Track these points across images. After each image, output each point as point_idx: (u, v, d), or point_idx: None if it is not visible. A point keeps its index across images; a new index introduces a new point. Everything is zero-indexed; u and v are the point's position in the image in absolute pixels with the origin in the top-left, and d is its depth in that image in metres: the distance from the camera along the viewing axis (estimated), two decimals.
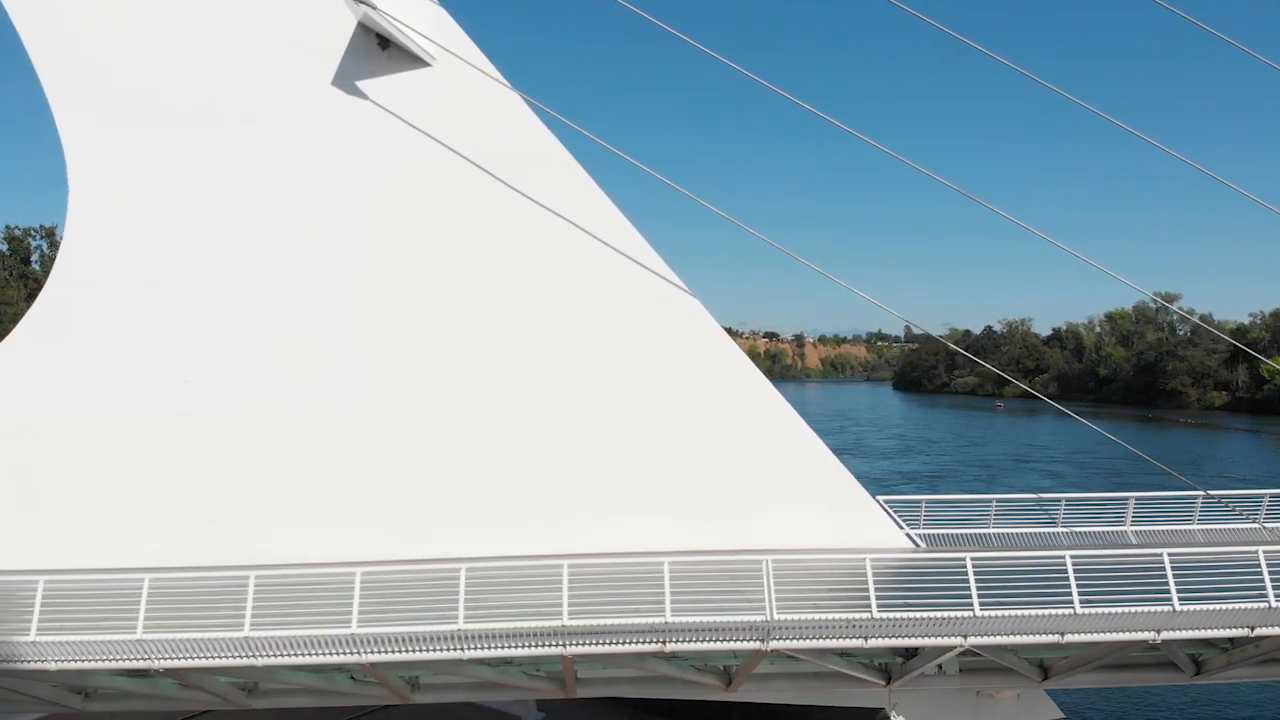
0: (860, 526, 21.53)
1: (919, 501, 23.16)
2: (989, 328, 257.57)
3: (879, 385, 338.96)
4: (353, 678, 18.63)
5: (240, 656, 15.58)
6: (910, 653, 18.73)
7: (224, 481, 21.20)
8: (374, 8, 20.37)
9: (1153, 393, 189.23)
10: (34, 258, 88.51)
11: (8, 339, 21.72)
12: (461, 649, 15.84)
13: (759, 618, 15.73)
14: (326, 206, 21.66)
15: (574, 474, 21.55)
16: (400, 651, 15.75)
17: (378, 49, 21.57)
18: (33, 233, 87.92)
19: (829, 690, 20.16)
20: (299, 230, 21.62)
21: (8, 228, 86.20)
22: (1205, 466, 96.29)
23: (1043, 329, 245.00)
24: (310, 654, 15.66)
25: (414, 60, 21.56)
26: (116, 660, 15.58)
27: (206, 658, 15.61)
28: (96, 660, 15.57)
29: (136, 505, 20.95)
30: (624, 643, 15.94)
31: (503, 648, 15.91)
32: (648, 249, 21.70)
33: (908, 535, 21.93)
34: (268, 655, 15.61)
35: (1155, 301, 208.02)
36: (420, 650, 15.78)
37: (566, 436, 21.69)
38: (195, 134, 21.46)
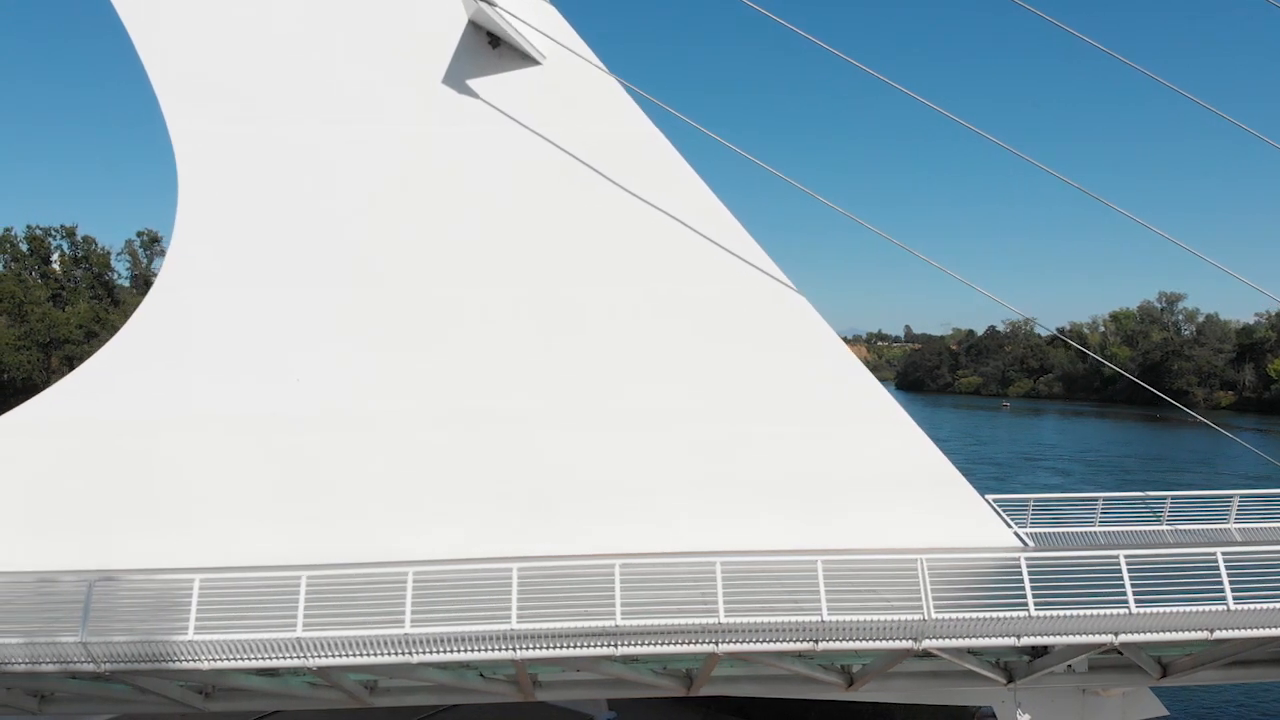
0: (970, 526, 21.56)
1: (1025, 501, 23.13)
2: (992, 328, 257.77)
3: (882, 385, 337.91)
4: (481, 675, 18.56)
5: (398, 654, 15.51)
6: (1039, 651, 18.72)
7: (333, 479, 21.17)
8: (493, 3, 20.32)
9: (1157, 392, 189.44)
10: (54, 258, 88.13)
11: (116, 338, 21.67)
12: (615, 646, 15.77)
13: (915, 617, 15.70)
14: (436, 206, 21.63)
15: (682, 473, 21.54)
16: (558, 649, 15.68)
17: (488, 47, 21.56)
18: (53, 233, 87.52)
19: (947, 689, 20.12)
20: (408, 229, 21.58)
21: (29, 227, 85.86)
22: (1220, 465, 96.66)
23: (1046, 328, 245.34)
24: (468, 650, 15.59)
25: (524, 59, 21.54)
26: (275, 659, 15.49)
27: (366, 655, 15.53)
28: (255, 659, 15.47)
29: (245, 504, 20.92)
30: (777, 641, 15.89)
31: (657, 645, 15.84)
32: (755, 247, 21.69)
33: (1015, 534, 21.96)
34: (424, 652, 15.54)
35: (1160, 302, 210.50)
36: (577, 647, 15.71)
37: (673, 436, 21.66)
38: (306, 133, 21.41)
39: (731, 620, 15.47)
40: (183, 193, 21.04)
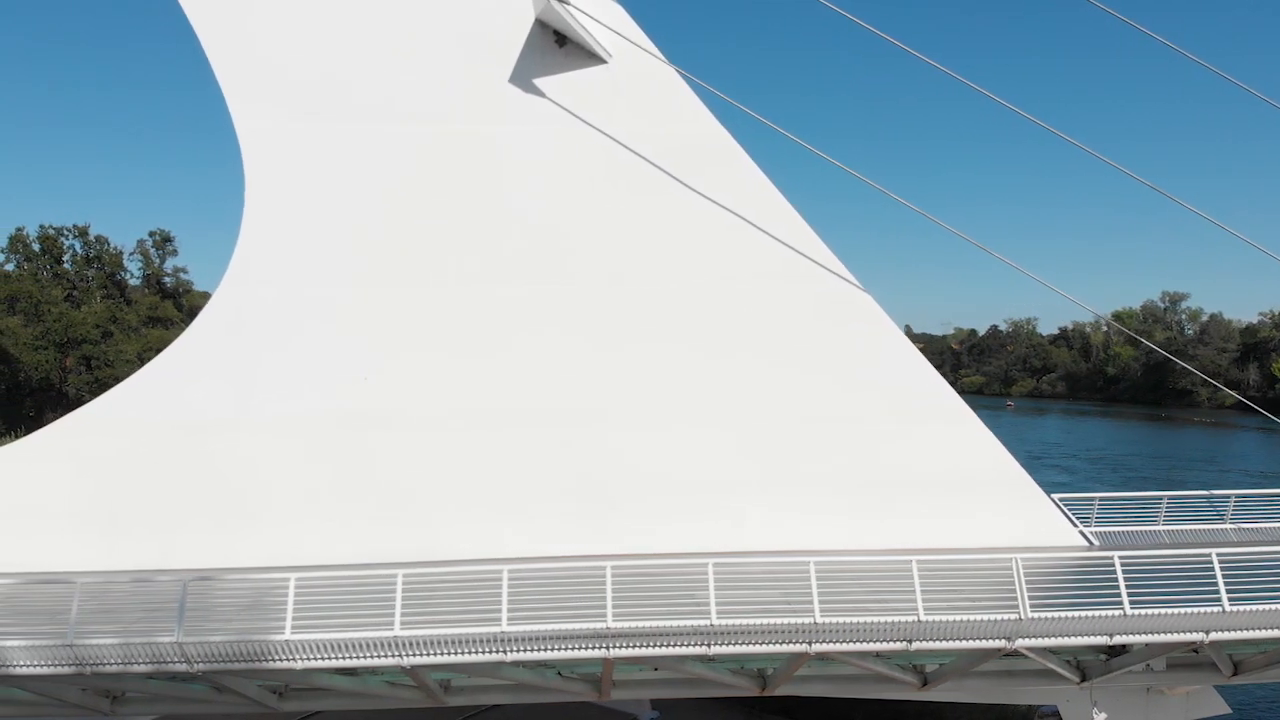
0: (1038, 526, 21.54)
1: (1091, 500, 23.09)
2: (994, 327, 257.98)
3: None
4: (559, 674, 18.50)
5: (493, 652, 15.44)
6: (1117, 650, 18.68)
7: (400, 478, 21.13)
8: (564, 1, 20.27)
9: (1162, 392, 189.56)
10: (66, 258, 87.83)
11: (183, 337, 21.63)
12: (709, 645, 15.71)
13: (1011, 615, 15.66)
14: (502, 205, 21.59)
15: (750, 471, 21.53)
16: (651, 647, 15.63)
17: (554, 46, 21.52)
18: (65, 232, 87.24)
19: (1018, 689, 20.08)
20: (474, 228, 21.54)
21: (41, 227, 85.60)
22: (1226, 463, 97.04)
23: (1049, 328, 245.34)
24: (561, 649, 15.53)
25: (590, 57, 21.51)
26: (371, 658, 15.41)
27: (462, 654, 15.46)
28: (351, 658, 15.39)
29: (312, 503, 20.87)
30: (872, 641, 15.86)
31: (751, 645, 15.79)
32: (822, 246, 21.67)
33: (1081, 533, 21.94)
34: (519, 650, 15.48)
35: (1163, 302, 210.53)
36: (670, 646, 15.65)
37: (742, 434, 21.65)
38: (371, 132, 21.39)
39: (828, 620, 15.40)
40: (249, 192, 21.00)
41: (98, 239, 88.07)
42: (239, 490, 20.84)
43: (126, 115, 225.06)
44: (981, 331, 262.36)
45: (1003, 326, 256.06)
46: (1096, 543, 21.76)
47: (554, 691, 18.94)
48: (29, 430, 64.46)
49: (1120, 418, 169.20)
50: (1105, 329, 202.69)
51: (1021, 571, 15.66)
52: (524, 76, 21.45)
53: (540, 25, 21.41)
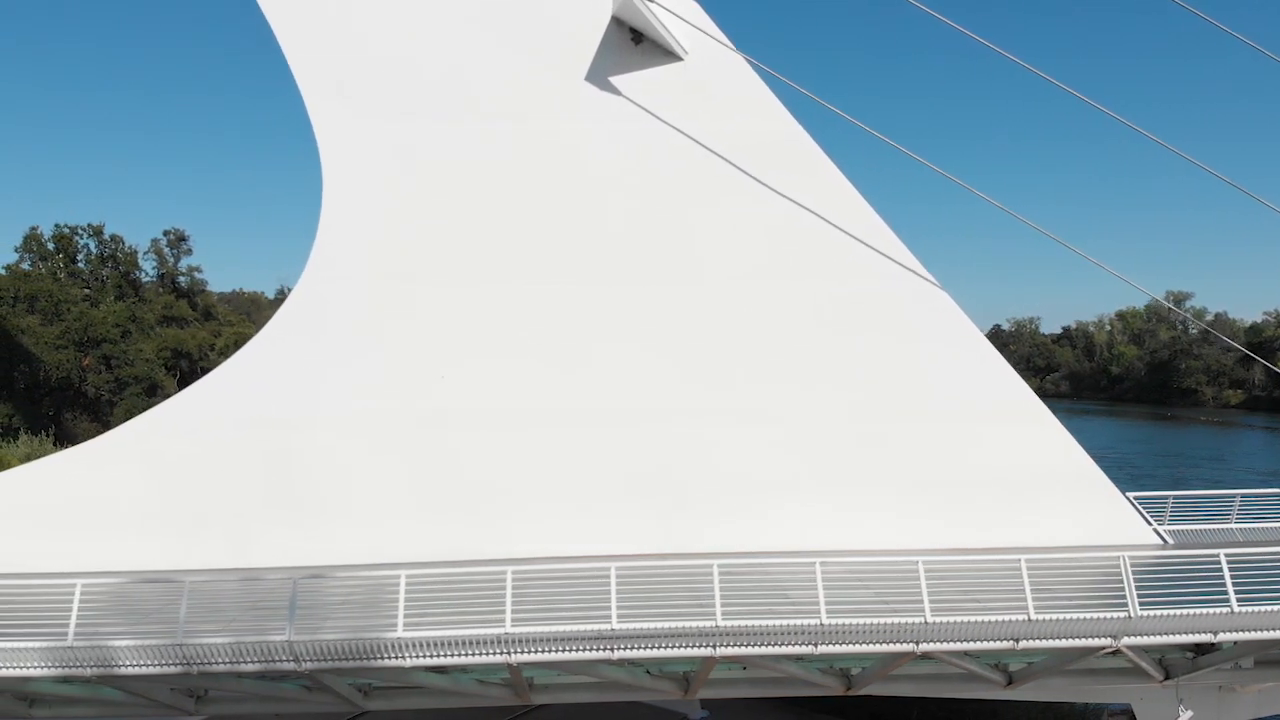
0: (1112, 524, 21.51)
1: (1165, 498, 23.05)
2: (997, 326, 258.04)
3: None
4: (648, 672, 18.44)
5: (602, 650, 15.39)
6: (1205, 648, 18.64)
7: (479, 476, 21.09)
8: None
9: (1167, 391, 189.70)
10: (80, 257, 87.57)
11: (259, 335, 21.58)
12: (814, 645, 15.65)
13: (1120, 614, 15.62)
14: (579, 203, 21.54)
15: (822, 470, 21.49)
16: (756, 646, 15.58)
17: (630, 43, 21.46)
18: (80, 231, 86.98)
19: (1100, 687, 20.05)
20: (551, 227, 21.51)
21: (56, 226, 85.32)
22: (1234, 461, 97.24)
23: (1052, 327, 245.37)
24: (669, 647, 15.49)
25: (666, 55, 21.46)
26: (481, 655, 15.36)
27: (571, 651, 15.42)
28: (461, 655, 15.34)
29: (391, 501, 20.85)
30: (981, 640, 15.81)
31: (859, 645, 15.72)
32: (900, 245, 21.63)
33: (1155, 531, 21.91)
34: (627, 649, 15.42)
35: (1168, 301, 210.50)
36: (777, 645, 15.60)
37: (815, 432, 21.61)
38: (448, 130, 21.33)
39: (938, 620, 15.36)
40: (327, 191, 20.99)
41: (113, 238, 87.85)
42: (315, 488, 20.81)
43: (136, 116, 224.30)
44: (984, 331, 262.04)
45: (1005, 326, 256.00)
46: (1171, 541, 21.73)
47: (642, 690, 18.88)
48: (50, 430, 64.49)
49: (1125, 417, 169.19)
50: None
51: (1130, 569, 15.62)
52: (600, 74, 21.41)
53: (616, 23, 21.38)
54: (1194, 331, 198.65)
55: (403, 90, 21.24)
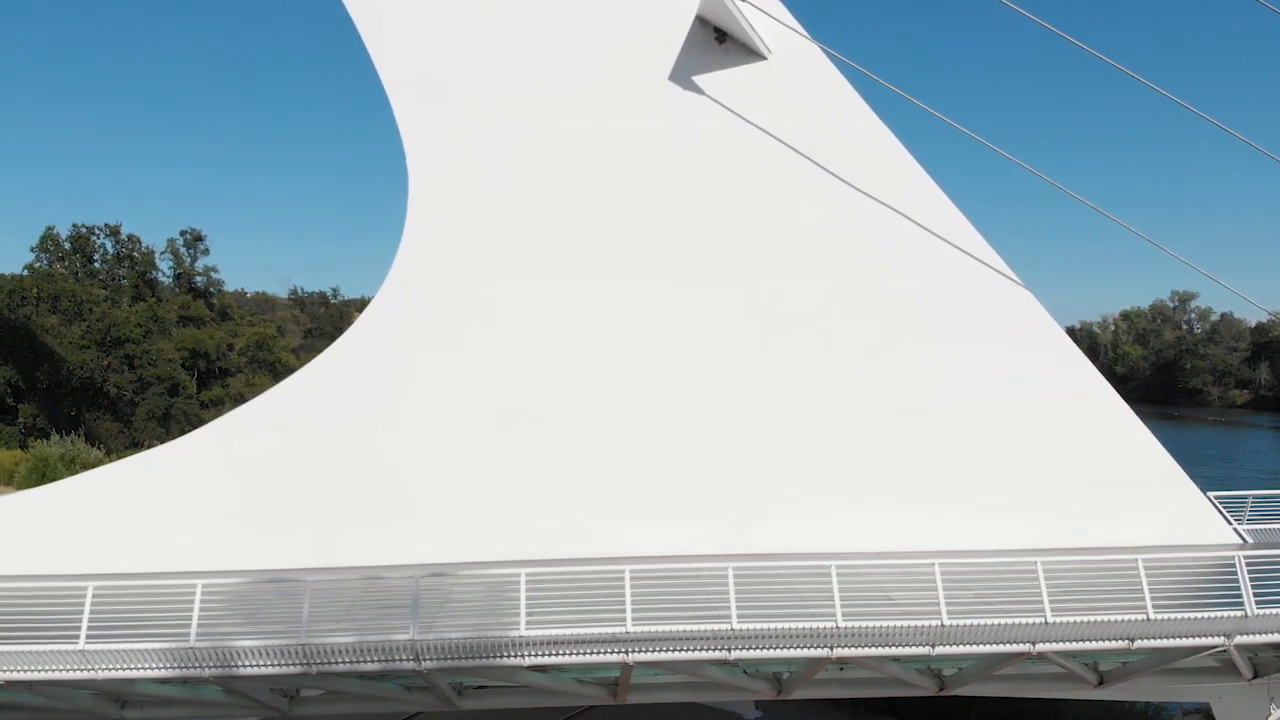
0: (1192, 523, 21.51)
1: (1245, 497, 23.06)
2: None
3: None
4: (745, 672, 18.40)
5: (720, 650, 15.38)
6: None
7: (558, 475, 21.06)
8: None
9: (1172, 391, 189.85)
10: (96, 257, 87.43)
11: (344, 336, 21.57)
12: (933, 647, 15.65)
13: (1236, 613, 15.63)
14: (661, 202, 21.53)
15: (903, 470, 21.48)
16: (880, 646, 15.58)
17: (714, 42, 21.45)
18: (97, 231, 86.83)
19: (1187, 686, 20.07)
20: (634, 226, 21.50)
21: (74, 226, 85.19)
22: (1242, 460, 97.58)
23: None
24: (785, 648, 15.50)
25: (750, 54, 21.45)
26: (599, 654, 15.36)
27: (689, 650, 15.41)
28: (580, 655, 15.35)
29: (473, 499, 20.82)
30: (1098, 640, 15.81)
31: (981, 645, 15.73)
32: (983, 243, 21.64)
33: (1235, 531, 21.92)
34: (744, 648, 15.41)
35: (1172, 301, 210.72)
36: (900, 646, 15.61)
37: (897, 432, 21.60)
38: (532, 130, 21.33)
39: (1058, 620, 15.36)
40: (412, 192, 21.02)
41: (130, 238, 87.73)
42: (400, 487, 20.78)
43: (148, 117, 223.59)
44: None
45: None
46: (1250, 540, 21.75)
47: (737, 690, 18.87)
48: (73, 430, 64.38)
49: None
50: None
51: (1245, 569, 15.64)
52: (683, 74, 21.41)
53: (700, 22, 21.36)
54: (1198, 331, 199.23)
55: (487, 91, 21.23)
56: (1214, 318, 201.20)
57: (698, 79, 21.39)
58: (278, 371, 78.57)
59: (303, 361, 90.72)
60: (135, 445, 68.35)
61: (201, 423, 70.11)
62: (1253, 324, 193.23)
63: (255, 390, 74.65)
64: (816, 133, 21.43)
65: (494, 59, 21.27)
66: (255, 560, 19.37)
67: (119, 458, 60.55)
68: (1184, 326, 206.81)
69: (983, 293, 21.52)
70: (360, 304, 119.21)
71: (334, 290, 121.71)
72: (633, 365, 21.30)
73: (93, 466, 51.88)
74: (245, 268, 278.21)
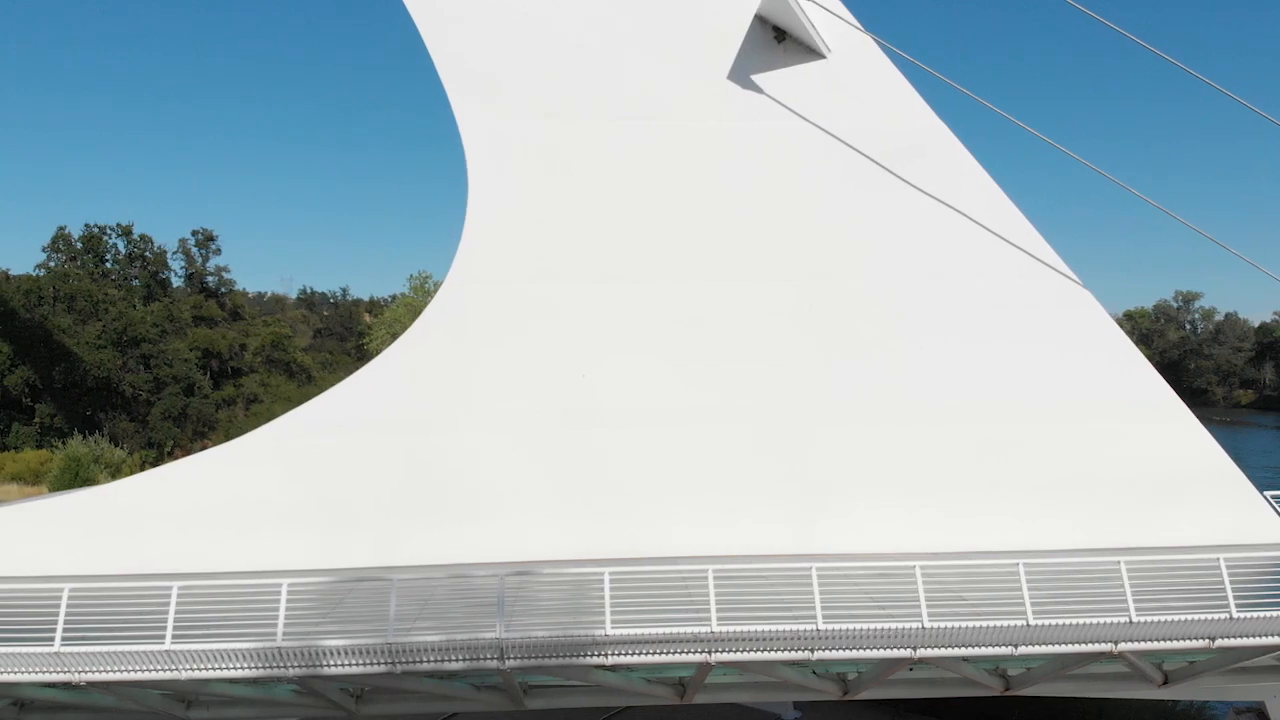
0: (1251, 523, 21.49)
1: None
2: None
3: None
4: (814, 673, 18.37)
5: (802, 650, 15.33)
6: None
7: (618, 475, 21.04)
8: None
9: (1177, 391, 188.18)
10: (108, 256, 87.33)
11: (404, 336, 21.54)
12: (1015, 648, 15.61)
13: None
14: (721, 202, 21.49)
15: (962, 469, 21.44)
16: (960, 647, 15.54)
17: (773, 41, 21.41)
18: (108, 231, 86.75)
19: (1248, 685, 20.08)
20: (693, 226, 21.45)
21: (86, 226, 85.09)
22: (1250, 460, 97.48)
23: None
24: (869, 648, 15.45)
25: (809, 53, 21.41)
26: (683, 654, 15.32)
27: (774, 650, 15.37)
28: (664, 654, 15.29)
29: (534, 499, 20.80)
30: (1182, 639, 15.78)
31: (1063, 645, 15.72)
32: (1042, 242, 21.60)
33: None
34: (828, 649, 15.36)
35: (1176, 301, 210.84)
36: (983, 646, 15.57)
37: (955, 431, 21.56)
38: (592, 130, 21.28)
39: (1142, 619, 15.33)
40: (472, 193, 20.98)
41: (142, 238, 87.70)
42: (460, 487, 20.76)
43: (160, 117, 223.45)
44: None
45: None
46: None
47: (804, 690, 18.84)
48: (90, 429, 64.37)
49: None
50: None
51: None
52: (743, 72, 21.36)
53: (759, 21, 21.31)
54: (1201, 331, 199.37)
55: (549, 91, 21.19)
56: (1218, 318, 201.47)
57: (757, 78, 21.35)
58: (293, 371, 78.68)
59: (315, 361, 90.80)
60: (151, 445, 68.46)
61: (217, 423, 70.54)
62: (1256, 324, 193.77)
63: (270, 391, 74.84)
64: (875, 131, 21.39)
65: (556, 59, 21.24)
66: (316, 560, 19.35)
67: (140, 458, 60.79)
68: (1188, 327, 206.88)
69: (1043, 292, 21.48)
70: (369, 305, 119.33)
71: (343, 290, 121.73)
72: (692, 365, 21.26)
73: (116, 466, 52.07)
74: (246, 268, 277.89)
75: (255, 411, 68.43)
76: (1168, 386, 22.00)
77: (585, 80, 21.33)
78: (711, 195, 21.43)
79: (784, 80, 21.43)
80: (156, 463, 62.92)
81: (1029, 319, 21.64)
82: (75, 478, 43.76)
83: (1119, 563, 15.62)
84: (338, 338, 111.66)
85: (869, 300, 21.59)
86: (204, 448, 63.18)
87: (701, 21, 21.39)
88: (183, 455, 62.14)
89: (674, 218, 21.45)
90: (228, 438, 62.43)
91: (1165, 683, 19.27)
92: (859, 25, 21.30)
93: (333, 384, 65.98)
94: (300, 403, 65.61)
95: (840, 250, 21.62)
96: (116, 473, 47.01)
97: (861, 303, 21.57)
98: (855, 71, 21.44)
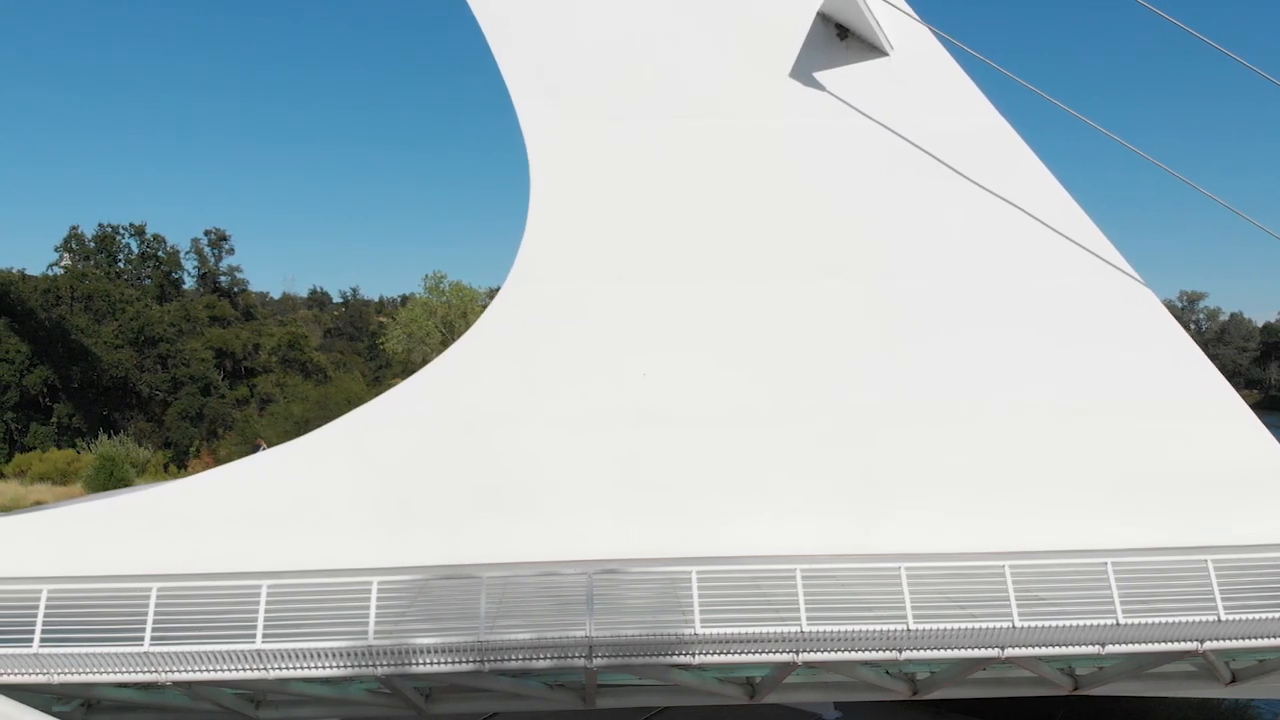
0: None
1: None
2: None
3: None
4: (888, 672, 18.36)
5: (892, 650, 15.32)
6: None
7: (682, 474, 20.99)
8: None
9: None
10: (121, 256, 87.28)
11: (467, 335, 21.53)
12: (1103, 647, 15.61)
13: None
14: (783, 200, 21.44)
15: (1025, 470, 21.38)
16: (1054, 646, 15.54)
17: (835, 39, 21.37)
18: (121, 230, 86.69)
19: None
20: (757, 224, 21.40)
21: (100, 225, 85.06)
22: None
23: None
24: (963, 649, 15.44)
25: (871, 50, 21.37)
26: (765, 654, 15.33)
27: (862, 650, 15.34)
28: (744, 654, 15.29)
29: (593, 497, 20.73)
30: (1269, 637, 15.78)
31: (1151, 642, 15.71)
32: (1105, 242, 21.55)
33: None
34: (918, 649, 15.35)
35: (1180, 301, 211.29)
36: (1074, 646, 15.58)
37: (1016, 431, 21.50)
38: (654, 128, 21.26)
39: (1233, 618, 15.33)
40: (534, 190, 20.92)
41: (155, 238, 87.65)
42: (523, 485, 20.68)
43: (169, 118, 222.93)
44: None
45: None
46: None
47: (875, 690, 18.81)
48: (107, 429, 64.34)
49: None
50: None
51: None
52: (804, 70, 21.31)
53: (821, 18, 21.28)
54: (1207, 331, 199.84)
55: (612, 90, 21.13)
56: (1223, 318, 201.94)
57: (819, 75, 21.29)
58: (309, 371, 78.60)
59: (329, 361, 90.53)
60: (168, 445, 68.42)
61: (234, 423, 70.45)
62: (1261, 324, 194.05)
63: (286, 390, 74.76)
64: (937, 128, 21.32)
65: (619, 59, 21.20)
66: (382, 558, 19.30)
67: (161, 457, 60.80)
68: (1193, 327, 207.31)
69: (1108, 291, 21.41)
70: (379, 305, 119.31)
71: (353, 290, 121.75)
72: (755, 364, 21.20)
73: (142, 465, 52.11)
74: (248, 268, 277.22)
75: (273, 411, 68.36)
76: (1230, 386, 21.95)
77: (648, 79, 21.29)
78: (775, 193, 21.38)
79: (845, 77, 21.38)
80: (177, 462, 62.94)
81: (1094, 318, 21.56)
82: (110, 477, 43.73)
83: (1206, 561, 15.59)
84: (347, 338, 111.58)
85: (933, 299, 21.51)
86: (221, 448, 63.33)
87: (763, 20, 21.35)
88: (208, 455, 62.22)
89: (735, 216, 21.40)
90: (243, 438, 62.61)
91: (1232, 681, 19.31)
92: (923, 21, 21.25)
93: (349, 384, 66.06)
94: (319, 402, 65.55)
95: (903, 248, 21.57)
96: (142, 472, 46.98)
97: (925, 302, 21.50)
98: (917, 68, 21.39)
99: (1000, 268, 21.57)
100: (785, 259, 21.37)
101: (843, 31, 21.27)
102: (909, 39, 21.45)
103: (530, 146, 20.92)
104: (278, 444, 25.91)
